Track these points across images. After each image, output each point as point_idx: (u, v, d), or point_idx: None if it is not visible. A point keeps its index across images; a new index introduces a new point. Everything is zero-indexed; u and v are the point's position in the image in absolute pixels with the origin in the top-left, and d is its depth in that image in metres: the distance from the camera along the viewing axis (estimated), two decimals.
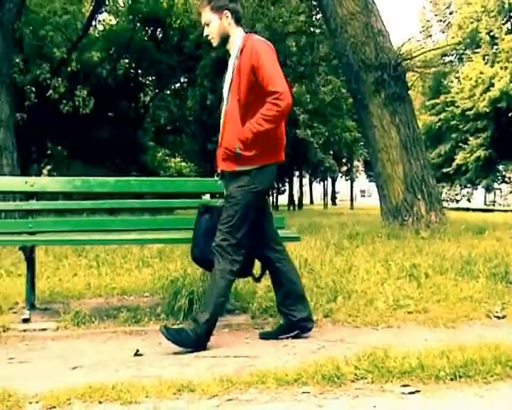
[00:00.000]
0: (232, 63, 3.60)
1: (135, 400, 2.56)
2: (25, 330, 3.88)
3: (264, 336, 3.72)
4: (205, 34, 3.73)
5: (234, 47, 3.63)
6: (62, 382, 2.78)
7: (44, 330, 3.92)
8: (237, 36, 3.64)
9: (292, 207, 43.00)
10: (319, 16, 20.37)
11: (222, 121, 3.63)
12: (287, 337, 3.67)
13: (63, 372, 3.01)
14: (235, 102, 3.52)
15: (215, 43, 3.73)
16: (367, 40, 10.78)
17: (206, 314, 3.46)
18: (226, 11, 3.60)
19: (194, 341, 3.41)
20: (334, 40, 11.59)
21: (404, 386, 2.73)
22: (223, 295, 3.54)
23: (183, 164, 36.96)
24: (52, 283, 5.29)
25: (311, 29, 21.83)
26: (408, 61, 11.47)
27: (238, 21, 3.67)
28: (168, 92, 35.81)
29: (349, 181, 54.29)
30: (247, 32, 3.68)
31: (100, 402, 2.54)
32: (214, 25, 3.64)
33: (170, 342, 3.37)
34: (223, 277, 3.50)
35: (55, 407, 2.49)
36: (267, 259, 3.83)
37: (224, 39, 3.69)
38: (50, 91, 16.79)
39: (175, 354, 3.34)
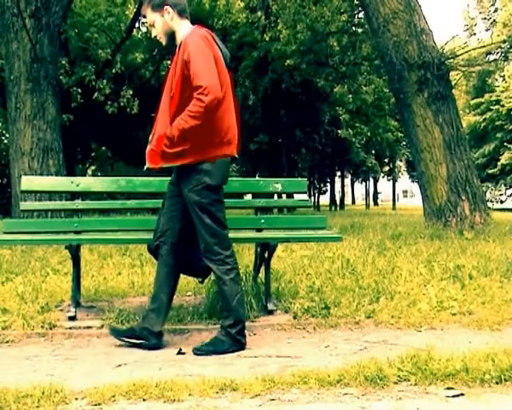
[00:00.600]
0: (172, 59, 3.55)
1: (178, 398, 2.58)
2: (71, 328, 3.94)
3: (113, 333, 3.61)
4: (153, 36, 3.66)
5: (179, 42, 3.52)
6: (107, 379, 2.82)
7: (90, 327, 3.98)
8: (182, 29, 3.53)
9: (333, 208, 42.79)
10: (361, 15, 20.23)
11: (155, 118, 3.57)
12: (129, 342, 3.55)
13: (108, 370, 3.06)
14: (168, 99, 3.46)
15: (164, 41, 3.65)
16: (410, 39, 10.65)
17: (230, 319, 3.48)
18: (166, 7, 3.50)
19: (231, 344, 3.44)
20: (377, 39, 11.46)
21: (448, 389, 2.68)
22: (235, 294, 3.50)
23: None
24: (97, 281, 5.37)
25: (353, 28, 21.67)
26: (451, 60, 11.26)
27: (181, 14, 3.56)
28: None
29: (391, 181, 53.71)
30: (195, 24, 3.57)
31: (144, 400, 2.57)
32: (158, 24, 3.56)
33: (209, 355, 3.35)
34: (224, 283, 3.47)
35: (100, 404, 2.53)
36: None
37: (172, 36, 3.58)
38: (96, 94, 17.06)
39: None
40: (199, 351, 3.39)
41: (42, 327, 3.86)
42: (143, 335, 3.51)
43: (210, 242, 3.44)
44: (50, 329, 3.87)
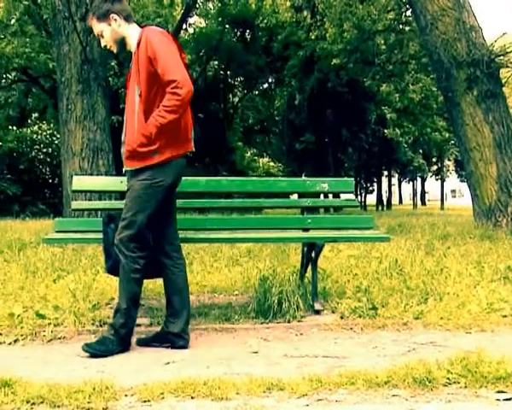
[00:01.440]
0: (132, 60, 3.47)
1: (226, 396, 2.59)
2: None
3: (140, 343, 3.57)
4: (103, 46, 3.63)
5: (132, 45, 3.49)
6: (156, 376, 2.86)
7: (139, 325, 4.02)
8: (132, 34, 3.52)
9: (380, 207, 42.37)
10: (409, 13, 19.95)
11: (124, 119, 3.54)
12: (158, 347, 3.52)
13: (156, 367, 3.10)
14: (134, 98, 3.41)
15: (115, 49, 3.61)
16: (459, 36, 10.47)
17: (120, 317, 3.42)
18: (112, 15, 3.48)
19: (119, 344, 3.41)
20: (425, 37, 11.31)
21: (500, 392, 2.62)
22: (133, 293, 3.47)
23: (271, 164, 37.18)
24: (145, 280, 5.44)
25: (401, 26, 21.41)
26: (502, 57, 11.01)
27: (128, 19, 3.54)
28: (256, 93, 36.21)
29: (439, 181, 52.85)
30: (143, 26, 3.54)
31: (192, 397, 2.60)
32: (106, 33, 3.53)
33: (97, 355, 3.31)
34: (129, 278, 3.43)
35: (149, 401, 2.56)
36: (159, 263, 3.66)
37: (122, 42, 3.56)
38: None
39: (263, 353, 3.37)
40: (89, 348, 3.35)
41: (93, 324, 3.94)
42: (168, 338, 3.55)
43: (127, 233, 3.42)
44: (101, 326, 3.94)
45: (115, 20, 3.49)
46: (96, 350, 3.33)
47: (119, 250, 3.43)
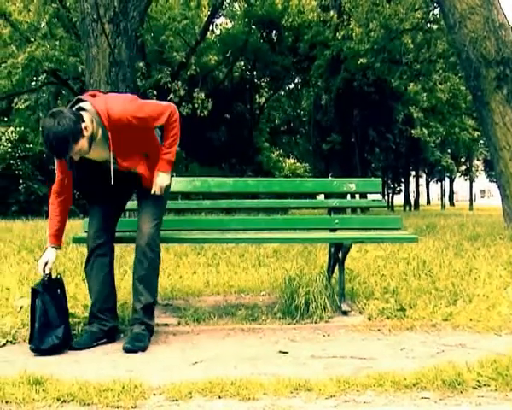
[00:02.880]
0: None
1: (253, 396, 2.60)
2: None
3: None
4: (77, 158, 3.39)
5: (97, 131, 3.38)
6: (183, 375, 2.87)
7: (166, 325, 4.06)
8: (93, 125, 3.35)
9: (408, 208, 42.03)
10: (436, 11, 19.77)
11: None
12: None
13: (184, 366, 3.12)
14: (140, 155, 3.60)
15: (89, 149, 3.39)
16: (488, 34, 10.32)
17: (150, 312, 3.65)
18: (84, 125, 3.27)
19: (149, 338, 3.58)
20: (453, 36, 11.17)
21: None
22: (157, 287, 3.78)
23: (298, 164, 37.13)
24: (173, 280, 5.48)
25: (428, 25, 21.21)
26: None
27: (90, 112, 3.36)
28: (283, 93, 36.21)
29: (468, 181, 52.22)
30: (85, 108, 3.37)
31: (219, 397, 2.61)
32: (84, 144, 3.30)
33: (136, 351, 3.42)
34: (157, 273, 3.69)
35: (177, 400, 2.58)
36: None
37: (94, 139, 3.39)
38: (171, 95, 17.39)
39: (291, 353, 3.37)
40: (130, 346, 3.45)
41: (121, 324, 3.98)
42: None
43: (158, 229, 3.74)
44: (131, 325, 3.98)
45: (86, 128, 3.30)
46: (136, 347, 3.43)
47: (150, 247, 3.59)
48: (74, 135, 3.21)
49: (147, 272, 3.59)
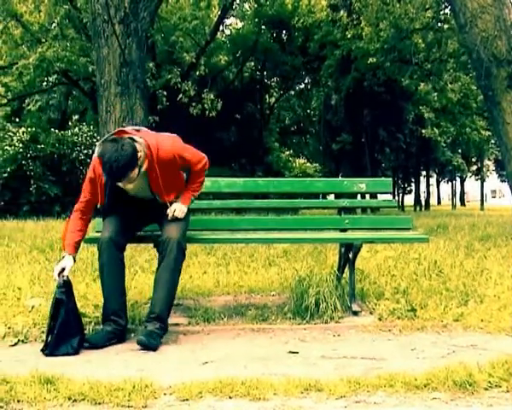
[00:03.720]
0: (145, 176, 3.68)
1: (263, 396, 2.60)
2: None
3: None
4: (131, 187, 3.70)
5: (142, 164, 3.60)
6: (194, 375, 2.88)
7: (177, 324, 4.07)
8: (143, 159, 3.60)
9: (418, 208, 41.86)
10: (447, 11, 19.67)
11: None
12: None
13: (195, 366, 3.12)
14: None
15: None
16: (499, 34, 10.26)
17: (167, 311, 3.71)
18: (139, 156, 3.53)
19: (162, 337, 3.61)
20: (464, 35, 11.11)
21: None
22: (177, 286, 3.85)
23: (308, 164, 37.09)
24: (183, 279, 5.47)
25: (439, 24, 21.11)
26: None
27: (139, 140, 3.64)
28: (293, 93, 36.15)
29: (479, 181, 51.95)
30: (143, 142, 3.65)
31: (230, 397, 2.61)
32: (135, 172, 3.53)
33: (152, 348, 3.45)
34: (179, 273, 3.80)
35: (187, 400, 2.59)
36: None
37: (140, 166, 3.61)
38: (181, 95, 17.42)
39: (301, 353, 3.37)
40: (148, 341, 3.47)
41: (132, 323, 3.99)
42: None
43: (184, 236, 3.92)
44: (140, 325, 3.99)
45: (140, 157, 3.56)
46: (150, 343, 3.46)
47: (180, 246, 3.69)
48: (134, 162, 3.48)
49: (170, 273, 3.68)
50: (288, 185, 4.87)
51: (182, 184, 3.95)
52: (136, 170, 3.52)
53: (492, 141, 35.79)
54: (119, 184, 3.60)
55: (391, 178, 5.11)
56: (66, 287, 3.53)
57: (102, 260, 3.73)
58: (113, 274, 3.73)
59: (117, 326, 3.66)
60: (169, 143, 3.74)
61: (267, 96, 34.77)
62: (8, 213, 15.55)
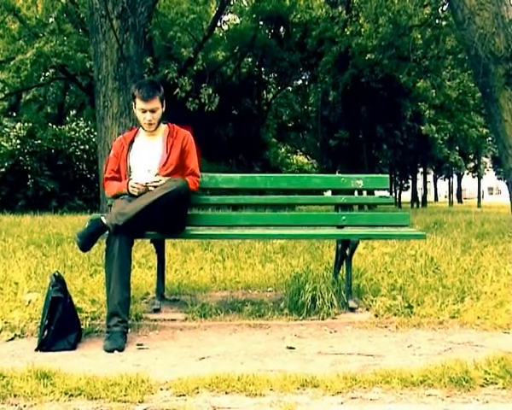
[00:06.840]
0: (161, 142, 4.17)
1: (260, 392, 2.61)
2: (155, 320, 4.05)
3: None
4: (148, 120, 4.08)
5: (160, 129, 4.21)
6: (190, 371, 2.89)
7: (173, 320, 4.08)
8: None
9: (415, 205, 41.90)
10: (445, 8, 19.66)
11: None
12: None
13: (191, 362, 3.13)
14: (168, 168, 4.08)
15: (153, 128, 4.15)
16: (497, 31, 10.26)
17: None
18: (164, 101, 4.16)
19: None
20: (462, 32, 11.11)
21: None
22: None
23: (305, 160, 37.10)
24: (180, 275, 5.49)
25: (437, 21, 21.09)
26: None
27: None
28: (290, 89, 36.13)
29: (476, 178, 51.99)
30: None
31: (226, 393, 2.62)
32: (159, 112, 4.12)
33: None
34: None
35: (184, 395, 2.59)
36: None
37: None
38: (177, 90, 17.36)
39: (297, 349, 3.37)
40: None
41: (128, 318, 3.99)
42: None
43: None
44: (137, 320, 4.00)
45: (163, 107, 4.17)
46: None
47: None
48: (162, 90, 4.11)
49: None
50: (285, 181, 4.86)
51: (177, 175, 4.12)
52: (160, 111, 4.10)
53: (490, 138, 35.85)
54: (147, 106, 4.00)
55: (388, 175, 5.10)
56: (60, 284, 3.53)
57: (113, 250, 3.62)
58: (122, 267, 3.62)
59: (126, 324, 3.59)
60: (186, 131, 4.28)
61: (265, 92, 34.75)
62: (5, 208, 15.54)
